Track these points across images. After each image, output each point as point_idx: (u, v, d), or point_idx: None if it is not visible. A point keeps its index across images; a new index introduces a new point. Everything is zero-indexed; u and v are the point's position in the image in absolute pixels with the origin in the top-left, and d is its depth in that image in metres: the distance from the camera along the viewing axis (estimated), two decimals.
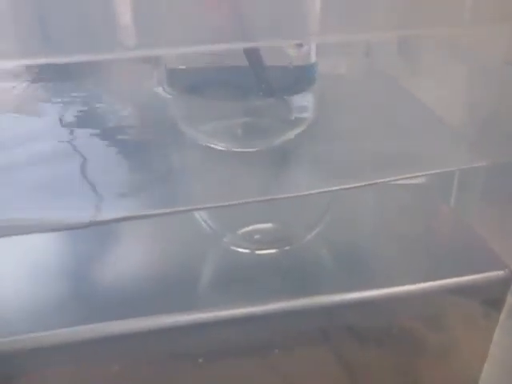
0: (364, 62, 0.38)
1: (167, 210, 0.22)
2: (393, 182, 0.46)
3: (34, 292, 0.27)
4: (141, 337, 0.26)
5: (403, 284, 0.29)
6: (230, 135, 0.26)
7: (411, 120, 0.29)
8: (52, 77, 0.35)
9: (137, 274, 0.30)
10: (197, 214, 0.31)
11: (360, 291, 0.29)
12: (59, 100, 0.31)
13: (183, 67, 0.28)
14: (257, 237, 0.31)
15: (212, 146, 0.26)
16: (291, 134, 0.27)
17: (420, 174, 0.28)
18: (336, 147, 0.26)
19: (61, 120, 0.29)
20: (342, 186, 0.24)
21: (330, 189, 0.24)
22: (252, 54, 0.26)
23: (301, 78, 0.28)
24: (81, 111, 0.30)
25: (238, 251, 0.31)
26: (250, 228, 0.31)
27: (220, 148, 0.26)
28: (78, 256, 0.31)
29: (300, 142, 0.27)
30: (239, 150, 0.26)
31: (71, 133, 0.28)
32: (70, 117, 0.29)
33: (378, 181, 0.22)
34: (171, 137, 0.27)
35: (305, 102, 0.28)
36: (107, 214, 0.21)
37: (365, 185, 0.22)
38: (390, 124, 0.29)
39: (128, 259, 0.31)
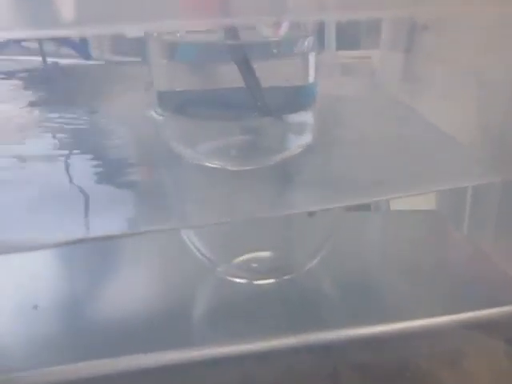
0: (368, 84, 0.37)
1: (158, 228, 0.21)
2: (401, 209, 0.44)
3: (29, 328, 0.27)
4: (132, 375, 0.25)
5: (416, 319, 0.27)
6: (225, 154, 0.25)
7: (418, 138, 0.28)
8: (46, 101, 0.35)
9: (128, 310, 0.28)
10: (190, 243, 0.29)
11: (369, 326, 0.27)
12: (53, 122, 0.31)
13: (173, 89, 0.27)
14: (254, 266, 0.29)
15: (207, 164, 0.24)
16: (290, 153, 0.25)
17: (430, 190, 0.26)
18: (338, 164, 0.25)
19: (53, 141, 0.28)
20: (344, 203, 0.23)
21: (332, 206, 0.22)
22: (247, 73, 0.25)
23: (299, 97, 0.27)
24: (73, 133, 0.29)
25: (235, 282, 0.29)
26: (247, 256, 0.29)
27: (215, 166, 0.24)
28: (71, 289, 0.31)
29: (300, 160, 0.25)
30: (235, 168, 0.25)
31: (63, 154, 0.27)
32: (62, 138, 0.28)
33: (384, 197, 0.20)
34: (163, 156, 0.26)
35: (304, 121, 0.27)
36: (97, 232, 0.20)
37: (369, 201, 0.20)
38: (396, 141, 0.27)
39: (120, 293, 0.30)
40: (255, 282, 0.29)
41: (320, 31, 0.46)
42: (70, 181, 0.24)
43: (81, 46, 0.49)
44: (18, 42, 0.48)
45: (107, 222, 0.20)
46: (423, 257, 0.32)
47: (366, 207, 0.38)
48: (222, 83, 0.26)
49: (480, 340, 0.28)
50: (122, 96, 0.33)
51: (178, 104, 0.27)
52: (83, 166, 0.25)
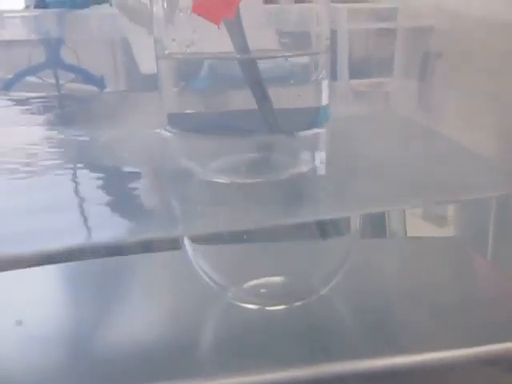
0: (383, 107, 0.36)
1: (161, 235, 0.20)
2: (422, 235, 0.43)
3: (25, 355, 0.26)
4: None
5: (435, 351, 0.25)
6: (235, 170, 0.25)
7: (437, 151, 0.27)
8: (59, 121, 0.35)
9: (134, 337, 0.27)
10: (199, 268, 0.28)
11: (384, 358, 0.25)
12: (65, 139, 0.31)
13: (183, 111, 0.27)
14: (265, 291, 0.28)
15: (216, 180, 0.24)
16: (301, 169, 0.24)
17: (450, 200, 0.25)
18: (354, 178, 0.24)
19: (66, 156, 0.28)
20: (359, 212, 0.21)
21: (344, 214, 0.21)
22: (260, 93, 0.25)
23: (311, 118, 0.27)
24: (83, 148, 0.29)
25: (245, 307, 0.28)
26: (258, 281, 0.28)
27: (224, 181, 0.24)
28: (75, 314, 0.30)
29: (314, 174, 0.24)
30: (244, 181, 0.24)
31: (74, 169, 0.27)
32: (73, 154, 0.28)
33: (402, 207, 0.19)
34: (172, 171, 0.26)
35: (315, 139, 0.26)
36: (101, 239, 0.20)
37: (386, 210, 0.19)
38: (413, 155, 0.26)
39: (125, 318, 0.29)
40: (266, 308, 0.28)
41: (333, 61, 0.47)
42: (79, 191, 0.24)
43: (96, 78, 0.50)
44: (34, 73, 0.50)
45: (112, 231, 0.20)
46: (445, 285, 0.31)
47: (381, 233, 0.37)
48: (233, 105, 0.26)
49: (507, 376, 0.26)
50: (134, 118, 0.33)
51: (188, 124, 0.26)
52: (92, 179, 0.25)
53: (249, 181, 0.24)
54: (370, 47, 0.51)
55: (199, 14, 0.23)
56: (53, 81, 0.49)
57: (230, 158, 0.25)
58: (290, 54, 0.25)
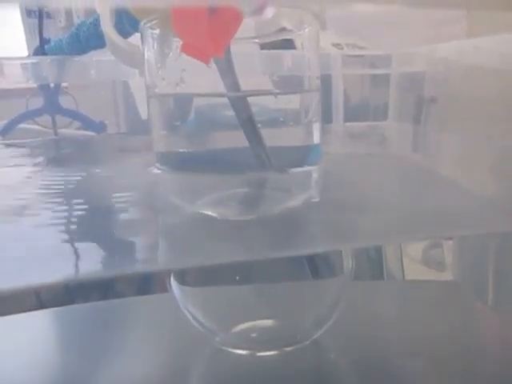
0: (379, 148, 0.36)
1: (141, 269, 0.20)
2: (421, 280, 0.42)
3: None
4: None
5: None
6: (226, 205, 0.24)
7: (433, 190, 0.26)
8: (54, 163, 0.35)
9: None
10: (187, 312, 0.27)
11: None
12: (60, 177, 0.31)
13: (173, 150, 0.26)
14: (255, 335, 0.27)
15: (206, 213, 0.23)
16: (292, 204, 0.24)
17: (448, 234, 0.24)
18: (347, 213, 0.23)
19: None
20: (349, 244, 0.21)
21: (335, 248, 0.21)
22: (251, 130, 0.24)
23: (303, 155, 0.27)
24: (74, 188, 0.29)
25: (235, 353, 0.27)
26: (247, 325, 0.27)
27: (215, 216, 0.23)
28: (62, 361, 0.29)
29: (306, 209, 0.24)
30: (236, 218, 0.23)
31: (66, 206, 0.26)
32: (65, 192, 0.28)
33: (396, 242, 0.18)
34: (159, 207, 0.26)
35: (308, 175, 0.26)
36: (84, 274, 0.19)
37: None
38: (409, 192, 0.26)
39: (111, 367, 0.28)
40: (257, 354, 0.26)
41: (328, 105, 0.48)
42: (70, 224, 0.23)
43: (95, 124, 0.51)
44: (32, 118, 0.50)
45: (90, 266, 0.19)
46: (445, 332, 0.29)
47: (379, 277, 0.36)
48: (223, 145, 0.26)
49: None
50: (128, 158, 0.33)
51: (177, 162, 0.26)
52: (76, 215, 0.25)
53: (239, 217, 0.23)
54: (365, 92, 0.52)
55: (188, 54, 0.23)
56: (50, 128, 0.49)
57: (220, 194, 0.24)
58: (280, 91, 0.25)
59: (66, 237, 0.21)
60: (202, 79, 0.25)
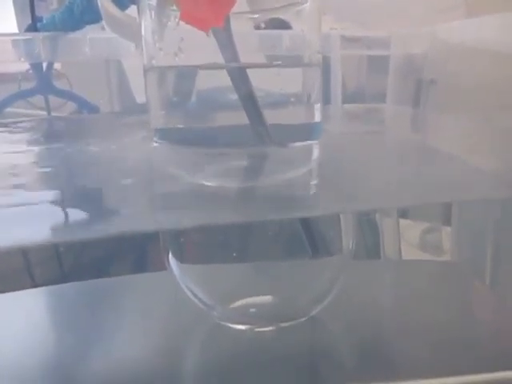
0: (377, 127, 0.36)
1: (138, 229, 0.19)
2: (419, 259, 0.42)
3: None
4: None
5: (431, 378, 0.23)
6: (225, 177, 0.24)
7: (432, 162, 0.26)
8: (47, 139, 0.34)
9: (119, 361, 0.26)
10: (185, 287, 0.26)
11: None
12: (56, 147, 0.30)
13: (172, 125, 0.26)
14: (253, 311, 0.26)
15: (205, 183, 0.23)
16: (292, 175, 0.24)
17: (448, 199, 0.24)
18: (347, 182, 0.23)
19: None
20: (348, 208, 0.20)
21: (335, 212, 0.20)
22: (250, 104, 0.24)
23: (304, 132, 0.26)
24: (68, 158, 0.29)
25: (233, 328, 0.26)
26: (246, 301, 0.26)
27: (213, 185, 0.23)
28: (57, 340, 0.29)
29: (307, 179, 0.24)
30: (235, 186, 0.23)
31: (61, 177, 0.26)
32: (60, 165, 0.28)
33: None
34: (159, 177, 0.25)
35: (308, 149, 0.25)
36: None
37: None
38: (407, 165, 0.26)
39: (110, 344, 0.27)
40: (255, 329, 0.26)
41: (326, 86, 0.47)
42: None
43: (91, 105, 0.50)
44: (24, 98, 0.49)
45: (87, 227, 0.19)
46: (442, 310, 0.29)
47: (375, 255, 0.36)
48: (222, 120, 0.26)
49: None
50: (124, 135, 0.32)
51: (176, 137, 0.26)
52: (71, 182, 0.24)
53: (239, 185, 0.23)
54: (362, 79, 0.52)
55: (187, 22, 0.22)
56: (43, 110, 0.48)
57: (219, 166, 0.24)
58: (281, 64, 0.25)
59: (59, 203, 0.21)
60: (200, 51, 0.24)
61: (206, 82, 0.25)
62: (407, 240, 0.47)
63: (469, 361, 0.25)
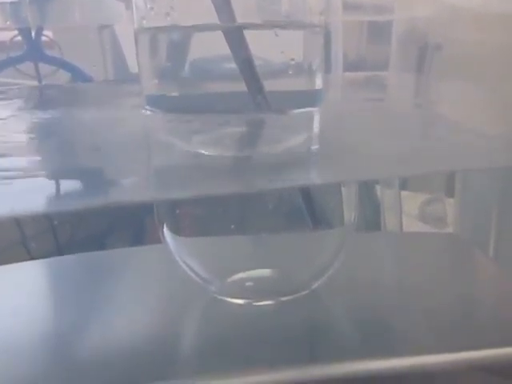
0: (380, 95, 0.35)
1: (134, 199, 0.18)
2: (421, 231, 0.41)
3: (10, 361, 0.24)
4: None
5: (433, 353, 0.23)
6: (222, 144, 0.23)
7: (434, 129, 0.25)
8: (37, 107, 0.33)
9: (117, 335, 0.25)
10: (182, 262, 0.26)
11: (380, 358, 0.23)
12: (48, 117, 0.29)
13: (164, 92, 0.25)
14: (252, 285, 0.26)
15: (201, 152, 0.22)
16: (292, 143, 0.22)
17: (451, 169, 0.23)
18: (347, 151, 0.22)
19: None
20: (350, 178, 0.20)
21: (334, 181, 0.19)
22: (247, 68, 0.23)
23: (304, 100, 0.25)
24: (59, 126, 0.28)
25: (231, 302, 0.26)
26: (244, 274, 0.26)
27: (208, 154, 0.22)
28: (54, 315, 0.28)
29: (306, 148, 0.23)
30: (233, 154, 0.22)
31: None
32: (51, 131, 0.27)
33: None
34: (152, 145, 0.24)
35: (309, 116, 0.24)
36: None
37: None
38: (410, 133, 0.25)
39: (107, 317, 0.27)
40: (253, 303, 0.25)
41: (327, 54, 0.46)
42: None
43: (84, 74, 0.48)
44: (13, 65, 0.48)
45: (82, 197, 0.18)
46: (444, 283, 0.29)
47: (375, 227, 0.35)
48: (218, 88, 0.24)
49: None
50: (115, 103, 0.31)
51: (168, 104, 0.25)
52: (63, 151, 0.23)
53: (237, 154, 0.22)
54: (364, 41, 0.50)
55: None
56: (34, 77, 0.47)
57: (215, 132, 0.23)
58: (281, 25, 0.24)
59: (51, 171, 0.20)
60: (194, 11, 0.23)
61: (201, 47, 0.24)
62: (406, 211, 0.47)
63: (471, 335, 0.25)
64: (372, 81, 0.41)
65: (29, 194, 0.18)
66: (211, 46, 0.23)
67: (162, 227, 0.25)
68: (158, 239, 0.26)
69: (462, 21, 0.38)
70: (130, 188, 0.19)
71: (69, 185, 0.20)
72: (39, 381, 0.22)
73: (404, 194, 0.46)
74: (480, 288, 0.29)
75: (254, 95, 0.23)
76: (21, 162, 0.22)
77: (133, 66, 0.48)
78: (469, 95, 0.31)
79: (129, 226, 0.45)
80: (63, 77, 0.49)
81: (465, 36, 0.38)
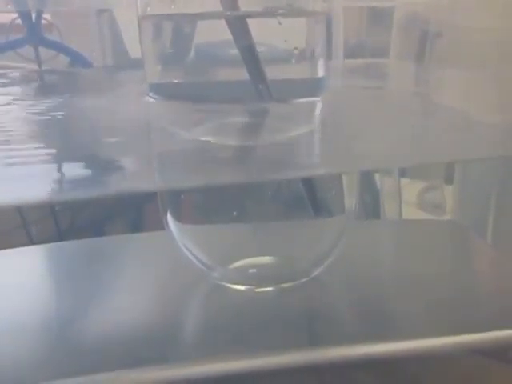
0: (380, 83, 0.35)
1: (140, 189, 0.19)
2: (421, 218, 0.41)
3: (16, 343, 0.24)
4: None
5: (433, 337, 0.24)
6: (225, 132, 0.23)
7: (432, 118, 0.25)
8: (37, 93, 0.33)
9: (119, 320, 0.25)
10: (184, 248, 0.26)
11: (380, 343, 0.23)
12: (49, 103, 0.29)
13: (168, 80, 0.25)
14: (253, 271, 0.26)
15: (204, 140, 0.22)
16: (294, 133, 0.23)
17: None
18: (349, 140, 0.22)
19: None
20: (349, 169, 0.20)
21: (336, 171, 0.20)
22: (250, 57, 0.23)
23: (307, 89, 0.25)
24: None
25: (233, 288, 0.26)
26: (246, 261, 0.26)
27: (210, 141, 0.22)
28: (57, 299, 0.28)
29: (309, 137, 0.23)
30: (236, 143, 0.22)
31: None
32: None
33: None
34: (155, 133, 0.24)
35: (311, 106, 0.25)
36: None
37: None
38: (412, 120, 0.25)
39: (109, 302, 0.27)
40: (255, 290, 0.26)
41: (328, 41, 0.46)
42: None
43: (85, 59, 0.48)
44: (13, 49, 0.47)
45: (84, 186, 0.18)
46: (443, 269, 0.29)
47: (374, 214, 0.35)
48: (221, 76, 0.24)
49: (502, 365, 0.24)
50: (118, 89, 0.31)
51: (172, 92, 0.25)
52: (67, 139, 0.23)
53: (239, 143, 0.22)
54: (364, 27, 0.50)
55: None
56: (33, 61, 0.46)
57: (218, 121, 0.23)
58: (284, 12, 0.24)
59: (53, 160, 0.20)
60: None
61: (204, 34, 0.24)
62: (405, 199, 0.47)
63: (470, 319, 0.25)
64: (372, 68, 0.41)
65: (34, 181, 0.18)
66: (215, 33, 0.24)
67: (166, 214, 0.26)
68: (159, 226, 0.27)
69: (463, 8, 0.38)
70: (133, 177, 0.19)
71: (72, 173, 0.20)
72: (41, 363, 0.23)
73: (403, 181, 0.46)
74: (478, 273, 0.29)
75: (256, 84, 0.23)
76: (26, 150, 0.22)
77: (132, 51, 0.48)
78: (469, 83, 0.31)
79: (130, 212, 0.46)
80: (62, 61, 0.49)
81: (465, 23, 0.38)
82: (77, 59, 0.48)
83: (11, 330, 0.25)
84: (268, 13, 0.23)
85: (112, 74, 0.40)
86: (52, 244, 0.33)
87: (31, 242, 0.45)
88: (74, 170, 0.20)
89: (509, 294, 0.27)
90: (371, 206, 0.41)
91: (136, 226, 0.47)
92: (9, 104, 0.28)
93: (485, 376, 0.25)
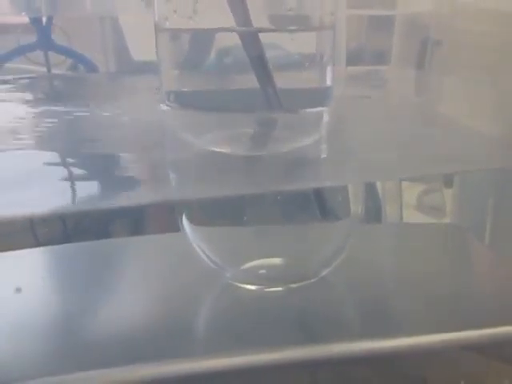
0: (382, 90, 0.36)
1: (153, 201, 0.20)
2: (421, 222, 0.42)
3: (21, 339, 0.25)
4: None
5: (434, 333, 0.25)
6: (235, 142, 0.24)
7: (436, 129, 0.26)
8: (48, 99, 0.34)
9: (134, 318, 0.27)
10: (199, 249, 0.27)
11: (385, 341, 0.24)
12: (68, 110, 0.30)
13: (183, 90, 0.26)
14: (264, 272, 0.27)
15: (215, 149, 0.23)
16: (302, 143, 0.24)
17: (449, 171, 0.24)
18: (355, 151, 0.23)
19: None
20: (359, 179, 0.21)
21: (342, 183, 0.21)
22: (261, 69, 0.24)
23: (315, 97, 0.26)
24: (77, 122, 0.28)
25: (244, 288, 0.27)
26: (257, 262, 0.27)
27: (223, 152, 0.23)
28: (72, 295, 0.29)
29: (316, 148, 0.24)
30: (246, 153, 0.24)
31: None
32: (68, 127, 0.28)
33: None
34: (169, 142, 0.26)
35: (319, 116, 0.26)
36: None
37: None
38: (414, 132, 0.26)
39: (125, 301, 0.28)
40: (265, 289, 0.27)
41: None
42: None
43: (92, 63, 0.49)
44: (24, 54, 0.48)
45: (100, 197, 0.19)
46: (444, 270, 0.30)
47: (375, 217, 0.36)
48: (234, 84, 0.25)
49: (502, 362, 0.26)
50: (130, 96, 0.32)
51: (187, 100, 0.26)
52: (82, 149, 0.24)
53: (248, 153, 0.23)
54: (364, 34, 0.51)
55: None
56: (43, 65, 0.47)
57: (229, 131, 0.24)
58: (294, 28, 0.25)
59: (70, 170, 0.21)
60: (216, 13, 0.24)
61: (221, 44, 0.25)
62: (405, 201, 0.48)
63: (468, 317, 0.26)
64: (374, 75, 0.42)
65: (48, 195, 0.19)
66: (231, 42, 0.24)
67: (181, 217, 0.27)
68: (168, 228, 0.28)
69: (462, 16, 0.39)
70: (146, 188, 0.20)
71: (84, 186, 0.20)
72: (50, 360, 0.24)
73: (403, 184, 0.47)
74: (477, 274, 0.31)
75: (267, 95, 0.24)
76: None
77: (135, 54, 0.49)
78: (469, 92, 0.32)
79: (135, 214, 0.46)
80: (64, 64, 0.49)
81: (465, 31, 0.39)
82: (84, 64, 0.49)
83: (19, 330, 0.25)
84: (280, 29, 0.24)
85: (119, 79, 0.41)
86: (70, 244, 0.34)
87: (38, 243, 0.46)
88: (87, 183, 0.20)
89: (505, 293, 0.28)
90: (372, 209, 0.42)
91: (143, 228, 0.48)
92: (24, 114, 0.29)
93: (482, 372, 0.26)
